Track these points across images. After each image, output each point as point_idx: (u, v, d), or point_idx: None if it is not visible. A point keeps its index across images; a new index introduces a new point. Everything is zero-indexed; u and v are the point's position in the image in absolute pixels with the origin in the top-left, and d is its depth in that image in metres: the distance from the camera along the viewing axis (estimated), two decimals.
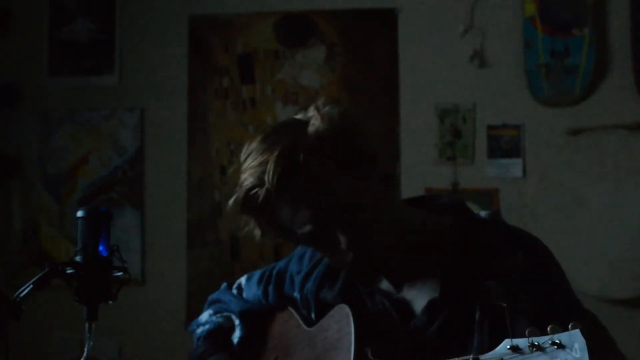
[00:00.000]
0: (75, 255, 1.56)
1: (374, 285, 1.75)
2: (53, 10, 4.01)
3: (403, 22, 3.82)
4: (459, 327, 1.60)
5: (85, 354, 1.55)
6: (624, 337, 3.77)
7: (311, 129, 1.61)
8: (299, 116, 1.67)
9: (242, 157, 1.66)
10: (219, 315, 1.95)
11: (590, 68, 3.67)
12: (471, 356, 1.38)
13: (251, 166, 1.62)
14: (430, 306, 1.66)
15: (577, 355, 1.23)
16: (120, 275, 1.57)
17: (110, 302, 1.57)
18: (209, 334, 1.94)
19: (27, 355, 3.62)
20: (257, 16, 3.91)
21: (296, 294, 1.86)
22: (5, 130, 3.98)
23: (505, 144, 3.72)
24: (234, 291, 1.99)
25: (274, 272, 1.92)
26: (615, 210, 3.56)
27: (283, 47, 3.89)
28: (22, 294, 1.50)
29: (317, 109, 1.64)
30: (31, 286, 1.51)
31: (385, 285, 1.75)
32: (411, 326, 1.67)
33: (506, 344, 1.31)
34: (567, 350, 1.24)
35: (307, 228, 1.62)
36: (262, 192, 1.60)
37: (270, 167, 1.58)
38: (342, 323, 1.69)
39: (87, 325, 1.55)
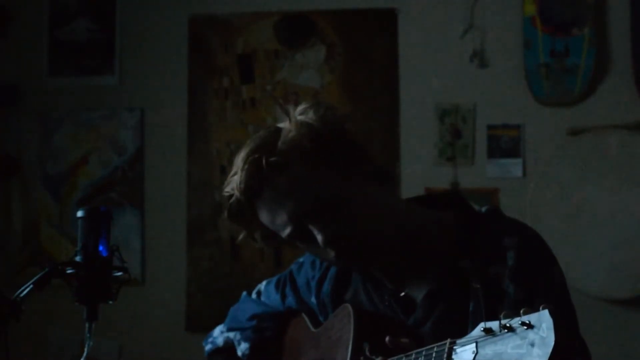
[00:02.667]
0: (75, 255, 1.56)
1: (380, 283, 1.75)
2: (53, 10, 4.01)
3: (403, 22, 3.82)
4: (456, 319, 1.60)
5: (85, 354, 1.55)
6: (624, 337, 3.78)
7: (282, 136, 1.65)
8: (280, 124, 1.69)
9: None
10: (223, 334, 2.00)
11: (590, 68, 3.67)
12: (448, 340, 1.41)
13: (230, 175, 1.67)
14: (426, 298, 1.67)
15: (544, 335, 1.26)
16: (120, 275, 1.57)
17: (110, 302, 1.57)
18: (213, 353, 2.01)
19: (27, 355, 3.62)
20: (257, 16, 3.91)
21: (313, 299, 1.87)
22: (5, 130, 3.98)
23: (505, 144, 3.72)
24: (254, 296, 2.02)
25: (288, 275, 1.94)
26: (615, 210, 3.56)
27: (283, 47, 3.89)
28: (22, 294, 1.50)
29: (289, 116, 1.67)
30: (31, 286, 1.51)
31: (387, 283, 1.75)
32: (411, 321, 1.68)
33: (480, 327, 1.34)
34: (536, 329, 1.27)
35: (287, 231, 1.65)
36: (235, 202, 1.65)
37: (237, 178, 1.64)
38: (344, 322, 1.71)
39: (87, 325, 1.55)
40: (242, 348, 1.95)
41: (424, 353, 1.48)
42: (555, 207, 3.60)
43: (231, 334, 1.98)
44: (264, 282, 2.02)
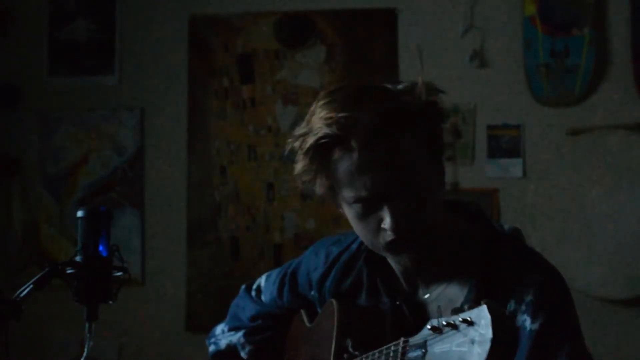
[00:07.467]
0: (75, 255, 1.56)
1: (394, 283, 1.72)
2: (53, 10, 4.01)
3: (403, 22, 3.82)
4: None
5: (85, 354, 1.55)
6: (624, 337, 3.78)
7: (408, 100, 1.59)
8: (389, 85, 1.63)
9: (321, 102, 1.60)
10: (225, 334, 1.98)
11: (590, 68, 3.67)
12: (402, 339, 1.42)
13: (335, 116, 1.55)
14: None
15: (482, 331, 1.26)
16: (120, 275, 1.57)
17: (110, 302, 1.57)
18: (215, 356, 2.00)
19: (27, 355, 3.62)
20: (257, 16, 3.91)
21: (313, 293, 1.83)
22: (5, 130, 3.98)
23: (505, 144, 3.72)
24: (253, 293, 1.98)
25: (289, 271, 1.90)
26: (615, 210, 3.56)
27: (283, 47, 3.89)
28: (22, 294, 1.50)
29: (415, 86, 1.61)
30: (31, 286, 1.51)
31: (400, 283, 1.71)
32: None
33: (427, 326, 1.35)
34: (476, 326, 1.28)
35: (363, 194, 1.56)
36: (341, 144, 1.55)
37: (361, 123, 1.53)
38: (330, 317, 1.71)
39: (87, 325, 1.55)
40: (247, 350, 1.95)
41: (384, 352, 1.49)
42: (555, 207, 3.60)
43: (234, 337, 1.96)
44: (263, 277, 1.98)
